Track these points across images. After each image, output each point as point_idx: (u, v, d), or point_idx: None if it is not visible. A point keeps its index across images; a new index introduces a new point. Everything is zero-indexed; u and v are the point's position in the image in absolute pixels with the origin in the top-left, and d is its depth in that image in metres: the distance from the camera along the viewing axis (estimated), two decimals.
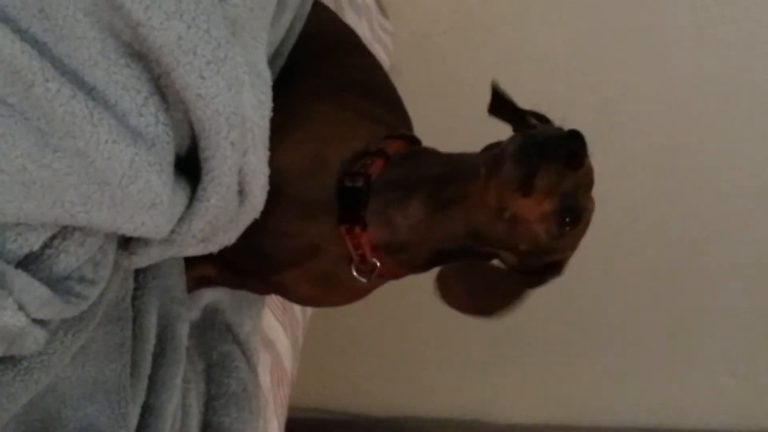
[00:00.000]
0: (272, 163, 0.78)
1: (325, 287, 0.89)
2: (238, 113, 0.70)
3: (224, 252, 0.80)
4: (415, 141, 0.91)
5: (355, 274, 0.84)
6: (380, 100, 0.95)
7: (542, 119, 0.84)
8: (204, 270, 0.93)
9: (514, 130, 0.84)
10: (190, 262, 0.89)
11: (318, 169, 0.84)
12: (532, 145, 0.75)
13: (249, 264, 0.89)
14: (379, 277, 0.85)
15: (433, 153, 0.87)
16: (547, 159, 0.74)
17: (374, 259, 0.83)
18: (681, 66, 1.81)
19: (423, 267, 0.85)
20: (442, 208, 0.81)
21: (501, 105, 0.86)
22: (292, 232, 0.84)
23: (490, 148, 0.83)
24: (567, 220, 0.76)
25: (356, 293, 0.89)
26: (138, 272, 0.83)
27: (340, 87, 0.93)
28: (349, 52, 1.01)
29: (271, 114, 0.77)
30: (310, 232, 0.84)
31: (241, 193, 0.74)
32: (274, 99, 0.77)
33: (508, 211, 0.76)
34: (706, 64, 1.80)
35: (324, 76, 0.94)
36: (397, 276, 0.87)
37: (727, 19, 1.76)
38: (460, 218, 0.80)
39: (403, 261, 0.85)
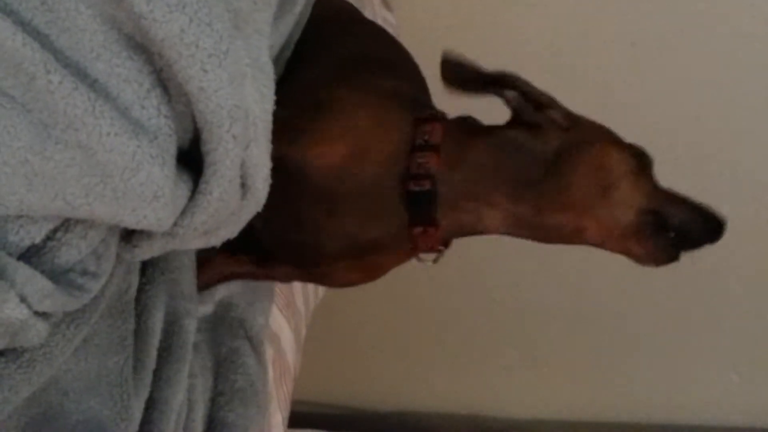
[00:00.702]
0: (312, 163, 0.80)
1: (370, 272, 0.93)
2: (241, 106, 0.70)
3: (266, 244, 0.83)
4: (439, 116, 0.92)
5: (423, 262, 0.89)
6: (397, 71, 0.96)
7: (515, 82, 0.89)
8: (231, 267, 0.94)
9: (514, 118, 0.87)
10: (215, 261, 0.92)
11: (363, 166, 0.85)
12: (689, 240, 0.90)
13: (294, 258, 0.91)
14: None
15: (483, 140, 0.89)
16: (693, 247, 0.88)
17: (442, 247, 0.88)
18: (686, 59, 1.80)
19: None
20: (540, 231, 0.87)
21: (458, 72, 0.89)
22: (353, 231, 0.86)
23: (539, 108, 0.88)
24: None
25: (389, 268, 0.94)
26: (147, 267, 0.83)
27: (358, 67, 0.93)
28: (356, 28, 1.01)
29: (281, 106, 0.77)
30: (373, 231, 0.86)
31: (244, 186, 0.74)
32: (288, 91, 0.77)
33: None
34: (710, 61, 1.79)
35: (338, 58, 0.94)
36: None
37: (730, 15, 1.75)
38: (555, 238, 0.87)
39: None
